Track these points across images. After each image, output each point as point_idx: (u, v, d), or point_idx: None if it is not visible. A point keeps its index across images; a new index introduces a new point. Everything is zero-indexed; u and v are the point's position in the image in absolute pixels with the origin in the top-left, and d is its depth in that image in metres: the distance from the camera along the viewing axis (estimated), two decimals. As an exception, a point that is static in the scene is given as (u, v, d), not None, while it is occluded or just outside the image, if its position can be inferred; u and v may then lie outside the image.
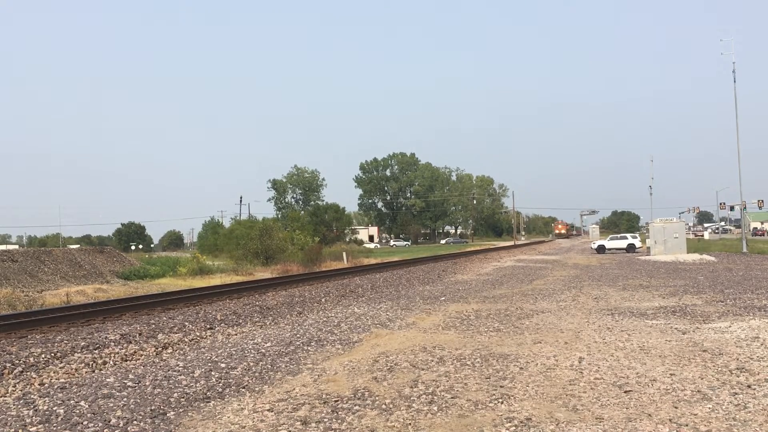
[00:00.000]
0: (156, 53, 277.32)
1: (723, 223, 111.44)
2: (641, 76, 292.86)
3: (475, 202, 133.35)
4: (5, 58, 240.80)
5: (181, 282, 28.94)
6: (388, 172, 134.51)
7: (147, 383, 7.00)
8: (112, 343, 10.00)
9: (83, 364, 8.50)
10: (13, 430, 5.42)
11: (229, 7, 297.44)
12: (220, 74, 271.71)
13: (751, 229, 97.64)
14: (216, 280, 27.62)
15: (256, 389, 6.59)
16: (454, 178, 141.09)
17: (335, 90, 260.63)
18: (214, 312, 13.87)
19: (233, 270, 34.88)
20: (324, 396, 6.16)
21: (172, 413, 5.78)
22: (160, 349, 9.67)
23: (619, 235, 51.35)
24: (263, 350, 8.85)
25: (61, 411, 5.93)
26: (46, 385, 7.36)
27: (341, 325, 11.03)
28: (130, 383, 7.02)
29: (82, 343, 9.90)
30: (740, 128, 38.30)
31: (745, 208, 45.05)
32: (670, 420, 5.05)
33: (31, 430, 5.42)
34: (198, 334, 11.07)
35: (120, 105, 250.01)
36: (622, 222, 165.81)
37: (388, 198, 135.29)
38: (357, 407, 5.73)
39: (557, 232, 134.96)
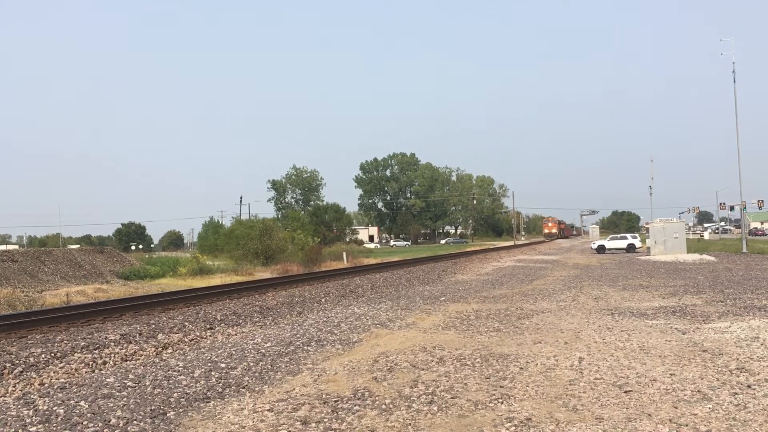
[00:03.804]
0: (156, 53, 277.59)
1: (723, 223, 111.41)
2: (641, 76, 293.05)
3: (475, 202, 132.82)
4: (5, 58, 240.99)
5: (181, 282, 28.94)
6: (388, 172, 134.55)
7: (147, 383, 6.99)
8: (112, 343, 10.00)
9: (83, 364, 8.50)
10: (13, 430, 5.42)
11: (229, 7, 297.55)
12: (220, 74, 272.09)
13: (751, 228, 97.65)
14: (216, 280, 27.62)
15: (256, 389, 6.59)
16: (454, 178, 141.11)
17: (335, 90, 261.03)
18: (214, 312, 13.87)
19: (233, 270, 34.87)
20: (324, 396, 6.16)
21: (172, 413, 5.78)
22: (160, 349, 9.67)
23: (619, 235, 51.35)
24: (263, 350, 8.85)
25: (61, 411, 5.93)
26: (46, 385, 7.36)
27: (341, 325, 11.03)
28: (130, 383, 7.02)
29: (82, 343, 9.90)
30: (740, 128, 38.34)
31: (745, 208, 45.05)
32: (670, 420, 5.05)
33: (31, 430, 5.42)
34: (198, 334, 11.07)
35: (120, 105, 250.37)
36: (622, 222, 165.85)
37: (388, 198, 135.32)
38: (357, 407, 5.73)
39: (547, 231, 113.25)
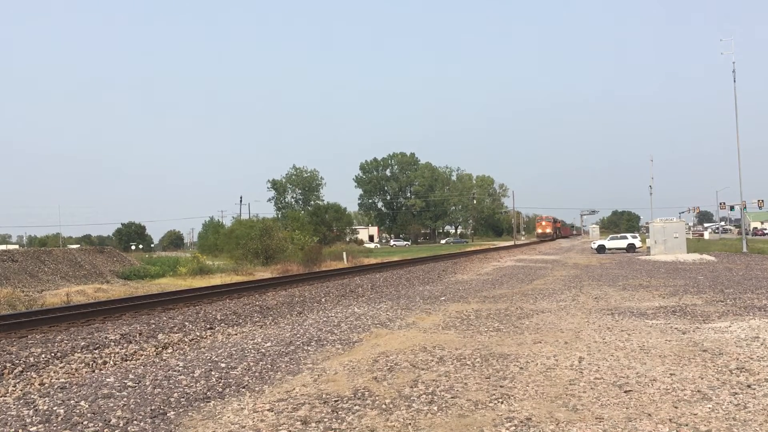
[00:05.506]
0: (156, 53, 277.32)
1: (723, 223, 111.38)
2: (641, 76, 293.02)
3: (475, 202, 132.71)
4: (6, 58, 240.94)
5: (181, 282, 28.93)
6: (388, 172, 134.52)
7: (147, 383, 7.00)
8: (112, 343, 10.00)
9: (83, 364, 8.50)
10: (13, 430, 5.42)
11: (230, 7, 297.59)
12: (220, 74, 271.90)
13: (751, 228, 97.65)
14: (216, 280, 27.62)
15: (256, 389, 6.59)
16: (454, 178, 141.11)
17: (335, 90, 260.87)
18: (214, 312, 13.87)
19: (233, 270, 34.86)
20: (324, 396, 6.16)
21: (172, 413, 5.79)
22: (160, 349, 9.68)
23: (619, 235, 51.32)
24: (263, 350, 8.85)
25: (61, 411, 5.93)
26: (46, 385, 7.36)
27: (341, 325, 11.03)
28: (130, 383, 7.02)
29: (82, 343, 9.90)
30: (740, 128, 38.36)
31: (745, 208, 45.06)
32: (670, 420, 5.05)
33: (31, 430, 5.42)
34: (198, 334, 11.07)
35: (120, 105, 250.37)
36: (622, 222, 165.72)
37: (388, 198, 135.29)
38: (357, 407, 5.73)
39: (541, 231, 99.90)
